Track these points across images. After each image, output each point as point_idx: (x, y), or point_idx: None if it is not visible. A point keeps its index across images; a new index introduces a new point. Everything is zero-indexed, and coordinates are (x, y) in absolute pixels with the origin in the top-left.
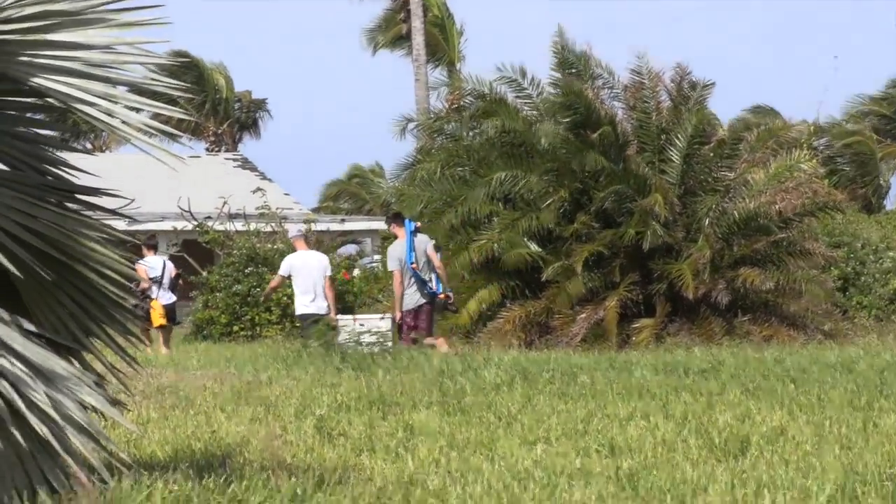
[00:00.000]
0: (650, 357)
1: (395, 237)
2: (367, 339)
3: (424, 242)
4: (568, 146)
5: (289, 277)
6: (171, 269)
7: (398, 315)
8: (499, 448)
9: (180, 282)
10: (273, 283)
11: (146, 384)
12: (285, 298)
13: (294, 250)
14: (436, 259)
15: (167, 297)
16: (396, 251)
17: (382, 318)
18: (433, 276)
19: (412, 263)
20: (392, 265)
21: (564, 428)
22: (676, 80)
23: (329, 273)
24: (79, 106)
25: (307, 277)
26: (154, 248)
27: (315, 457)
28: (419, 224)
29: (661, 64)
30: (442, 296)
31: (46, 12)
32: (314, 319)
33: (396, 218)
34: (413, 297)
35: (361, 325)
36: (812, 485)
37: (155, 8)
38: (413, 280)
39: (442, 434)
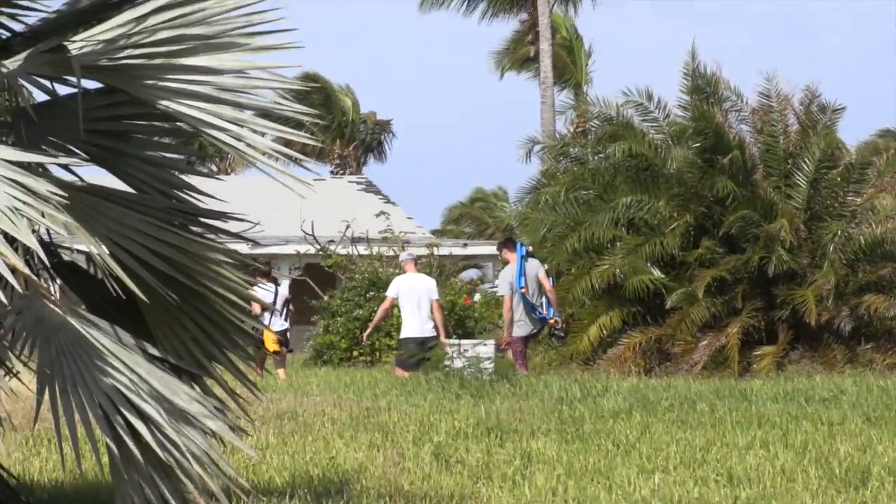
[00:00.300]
0: (771, 385)
1: (507, 262)
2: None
3: (535, 267)
4: (696, 171)
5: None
6: (283, 295)
7: (506, 340)
8: (616, 476)
9: (291, 307)
10: (384, 306)
11: (265, 409)
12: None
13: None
14: (547, 283)
15: (279, 324)
16: (507, 276)
17: (486, 343)
18: (543, 301)
19: (522, 288)
20: (503, 290)
21: (683, 457)
22: (805, 102)
23: (435, 297)
24: (208, 130)
25: (414, 300)
26: (267, 274)
27: (432, 484)
28: (530, 249)
29: (790, 86)
30: (552, 321)
31: (182, 37)
32: (419, 342)
33: (508, 243)
34: (526, 325)
35: (465, 350)
36: None
37: (288, 32)
38: (522, 306)
39: (559, 462)
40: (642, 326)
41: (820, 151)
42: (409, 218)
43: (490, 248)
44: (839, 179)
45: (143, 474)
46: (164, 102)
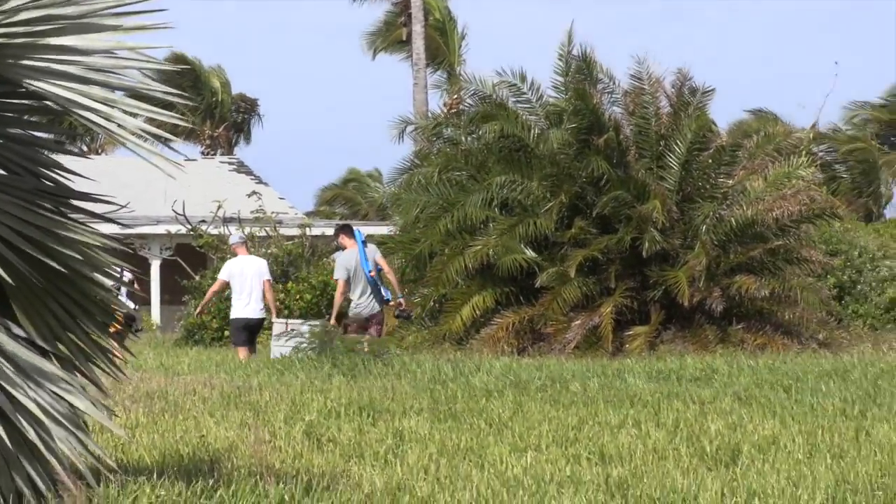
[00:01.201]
0: (643, 364)
1: (344, 248)
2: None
3: (374, 252)
4: (571, 152)
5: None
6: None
7: (332, 321)
8: (489, 455)
9: (136, 287)
10: (214, 288)
11: (135, 389)
12: (277, 303)
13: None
14: (386, 266)
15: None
16: (346, 261)
17: (311, 324)
18: (382, 285)
19: (370, 272)
20: (339, 274)
21: (555, 435)
22: (677, 85)
23: (267, 277)
24: (78, 110)
25: (245, 283)
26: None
27: (304, 463)
28: (366, 235)
29: (662, 69)
30: (393, 303)
31: (49, 16)
32: (243, 322)
33: (345, 229)
34: (368, 305)
35: (292, 329)
36: (803, 494)
37: (157, 12)
38: (370, 288)
39: (432, 440)
40: (515, 307)
41: (692, 133)
42: (281, 198)
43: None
44: (710, 161)
45: (8, 455)
46: (32, 82)
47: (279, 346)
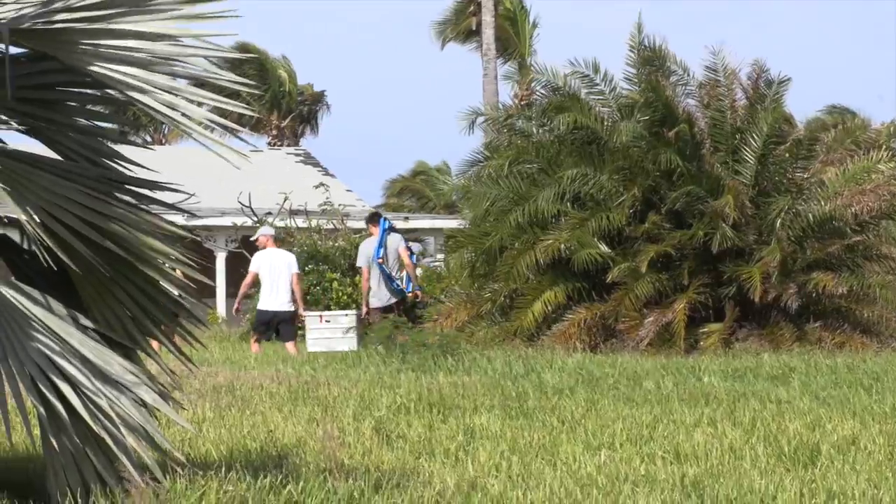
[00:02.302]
0: (718, 362)
1: (370, 234)
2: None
3: (397, 241)
4: (643, 144)
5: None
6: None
7: (365, 310)
8: (561, 453)
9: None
10: (246, 281)
11: (202, 383)
12: (345, 297)
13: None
14: (407, 258)
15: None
16: (366, 248)
17: (347, 314)
18: (404, 276)
19: (379, 258)
20: (361, 262)
21: (629, 433)
22: (753, 77)
23: (295, 270)
24: (140, 97)
25: (272, 275)
26: None
27: (373, 459)
28: (394, 224)
29: (738, 60)
30: (411, 294)
31: (115, 1)
32: (270, 315)
33: (373, 217)
34: (383, 296)
35: (328, 321)
36: (884, 496)
37: (224, 0)
38: (381, 277)
39: (503, 438)
40: (587, 302)
41: (768, 126)
42: (348, 191)
43: (432, 222)
44: (787, 155)
45: (74, 445)
46: (97, 69)
47: (316, 340)
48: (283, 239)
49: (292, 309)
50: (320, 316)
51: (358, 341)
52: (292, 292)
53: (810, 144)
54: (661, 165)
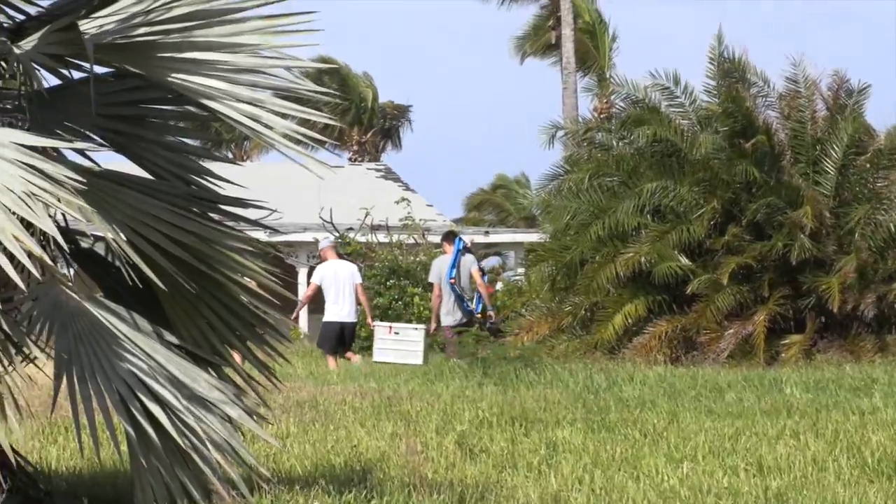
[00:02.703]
0: (799, 374)
1: (444, 252)
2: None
3: (470, 262)
4: (723, 156)
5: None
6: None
7: (433, 327)
8: (644, 466)
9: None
10: (308, 293)
11: (285, 398)
12: (426, 311)
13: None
14: (479, 278)
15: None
16: (437, 266)
17: (416, 328)
18: (475, 296)
19: (451, 279)
20: (433, 278)
21: (711, 446)
22: (833, 87)
23: (359, 281)
24: (223, 109)
25: (337, 286)
26: None
27: (456, 473)
28: (469, 244)
29: (818, 71)
30: (481, 315)
31: (195, 13)
32: (339, 326)
33: (449, 236)
34: (455, 315)
35: (396, 333)
36: None
37: (308, 14)
38: (453, 296)
39: (586, 451)
40: (668, 315)
41: (848, 136)
42: (429, 205)
43: (512, 236)
44: (868, 165)
45: (162, 462)
46: (179, 81)
47: (383, 350)
48: (364, 254)
49: (356, 320)
50: (390, 327)
51: (424, 356)
52: (357, 303)
53: (891, 154)
54: (739, 177)
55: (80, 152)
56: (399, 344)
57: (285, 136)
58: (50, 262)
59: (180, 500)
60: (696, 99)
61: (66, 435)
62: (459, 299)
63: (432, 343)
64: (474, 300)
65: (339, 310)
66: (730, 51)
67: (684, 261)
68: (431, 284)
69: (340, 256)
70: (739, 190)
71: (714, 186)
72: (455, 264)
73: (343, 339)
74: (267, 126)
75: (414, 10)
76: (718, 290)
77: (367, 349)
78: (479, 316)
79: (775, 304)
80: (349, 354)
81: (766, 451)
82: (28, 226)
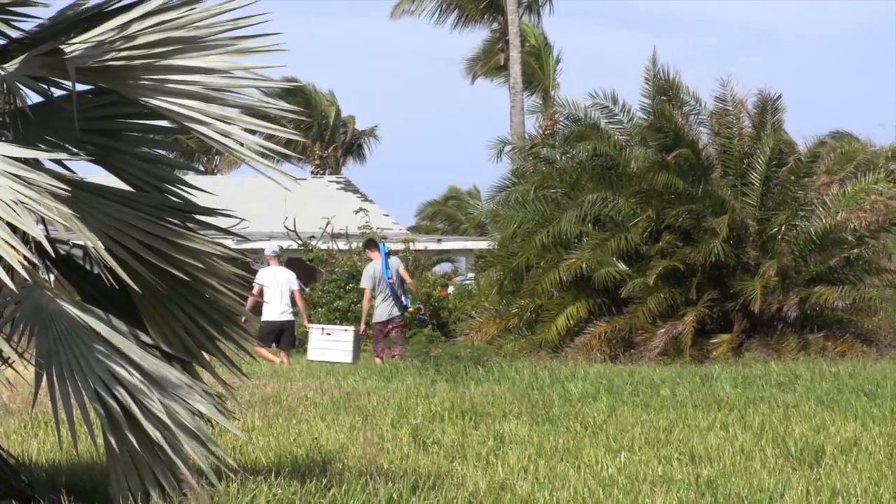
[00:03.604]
0: (729, 371)
1: (371, 260)
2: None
3: (396, 264)
4: (655, 169)
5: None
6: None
7: (362, 328)
8: (584, 456)
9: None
10: (254, 292)
11: (251, 394)
12: None
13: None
14: (407, 277)
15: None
16: (371, 271)
17: (346, 329)
18: (402, 293)
19: (389, 279)
20: (365, 283)
21: (647, 437)
22: (758, 106)
23: (296, 287)
24: (197, 127)
25: (275, 289)
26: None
27: (410, 463)
28: (390, 248)
29: (744, 91)
30: (412, 308)
31: (170, 39)
32: (276, 326)
33: (370, 244)
34: (387, 310)
35: (328, 334)
36: (885, 493)
37: (273, 35)
38: (389, 294)
39: (531, 442)
40: (607, 316)
41: (770, 150)
42: (385, 215)
43: (463, 243)
44: (789, 175)
45: (135, 453)
46: (155, 102)
47: (316, 350)
48: (325, 260)
49: (292, 318)
50: (322, 328)
51: (354, 355)
52: (293, 306)
53: (810, 162)
54: (662, 188)
55: (62, 164)
56: (331, 344)
57: (254, 150)
58: (31, 268)
59: (153, 489)
60: (633, 116)
61: (45, 430)
62: (395, 297)
63: (362, 342)
64: (403, 297)
65: (277, 310)
66: (664, 71)
67: (622, 266)
68: (363, 290)
69: (280, 264)
70: (673, 200)
71: (650, 197)
72: (387, 266)
73: (280, 337)
74: (237, 142)
75: (373, 31)
76: (650, 293)
77: (304, 349)
78: (410, 310)
79: (704, 306)
80: (283, 356)
81: (698, 442)
82: (14, 232)
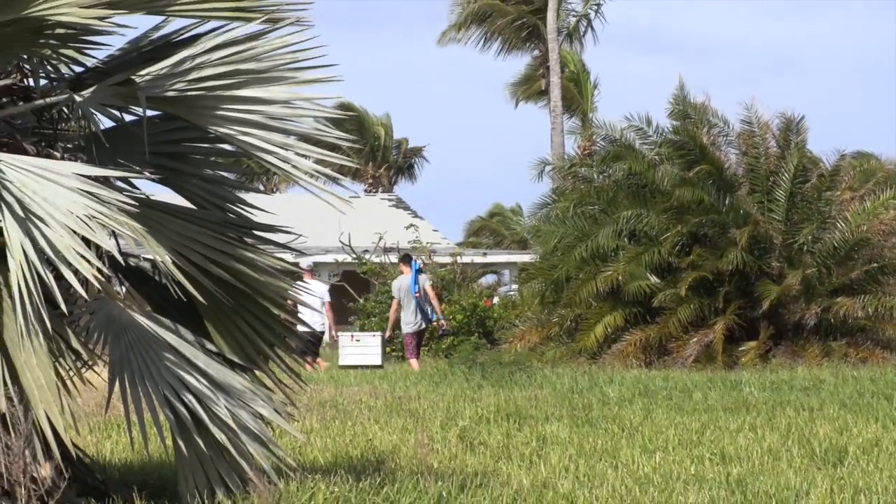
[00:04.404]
0: (757, 376)
1: (402, 273)
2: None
3: (424, 280)
4: (684, 186)
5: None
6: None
7: (388, 333)
8: (622, 456)
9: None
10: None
11: (309, 398)
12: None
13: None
14: (431, 293)
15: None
16: (400, 283)
17: (374, 335)
18: (428, 308)
19: (416, 293)
20: (394, 294)
21: (680, 438)
22: (782, 127)
23: (328, 299)
24: (259, 153)
25: (310, 302)
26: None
27: (458, 463)
28: (421, 265)
29: (769, 112)
30: (436, 323)
31: (234, 71)
32: (311, 333)
33: (405, 259)
34: (417, 322)
35: (357, 340)
36: None
37: (330, 67)
38: (416, 307)
39: (571, 443)
40: (642, 325)
41: (794, 167)
42: (434, 230)
43: (507, 257)
44: (813, 191)
45: (202, 454)
46: (220, 129)
47: (347, 356)
48: (378, 273)
49: (323, 330)
50: (352, 335)
51: (382, 358)
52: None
53: (832, 176)
54: (694, 203)
55: (131, 185)
56: (360, 349)
57: (310, 174)
58: (104, 280)
59: (218, 487)
60: (666, 137)
61: (118, 431)
62: (421, 309)
63: (389, 347)
64: (429, 311)
65: (315, 321)
66: (688, 95)
67: (653, 279)
68: (392, 298)
69: (314, 278)
70: (700, 214)
71: (679, 213)
72: (416, 281)
73: (315, 344)
74: (294, 166)
75: (422, 58)
76: (681, 303)
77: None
78: (433, 323)
79: (732, 315)
80: (318, 361)
81: (728, 443)
82: (87, 245)
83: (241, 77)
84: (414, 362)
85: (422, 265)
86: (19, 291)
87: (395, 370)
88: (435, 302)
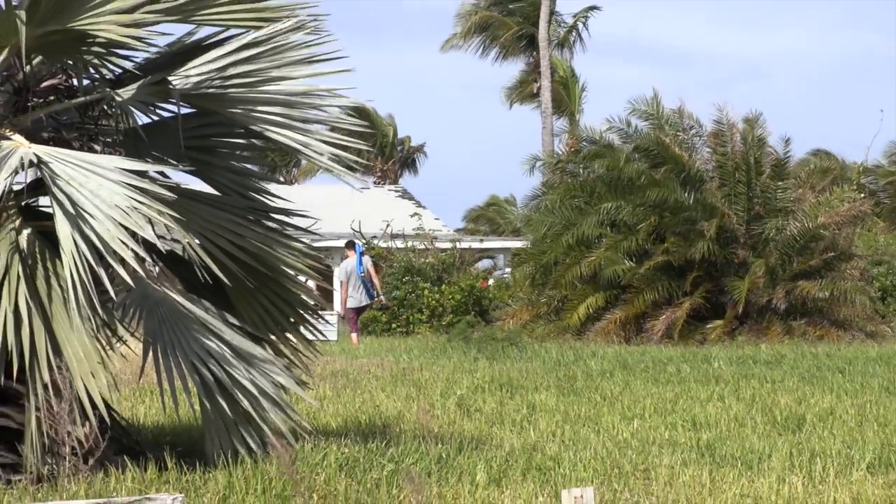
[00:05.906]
0: (725, 352)
1: (348, 257)
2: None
3: (367, 261)
4: (648, 183)
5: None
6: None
7: (342, 311)
8: (603, 422)
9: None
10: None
11: (322, 369)
12: (433, 302)
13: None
14: (373, 272)
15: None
16: (346, 266)
17: (332, 314)
18: (371, 286)
19: (362, 273)
20: (341, 276)
21: (656, 407)
22: (745, 125)
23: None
24: (281, 139)
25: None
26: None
27: (456, 428)
28: (364, 248)
29: (736, 114)
30: (378, 299)
31: (258, 69)
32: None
33: (349, 244)
34: (361, 299)
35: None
36: (855, 454)
37: (346, 72)
38: (361, 286)
39: (558, 411)
40: (622, 305)
41: (753, 160)
42: (436, 219)
43: (502, 243)
44: (767, 180)
45: (226, 418)
46: (246, 120)
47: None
48: (385, 256)
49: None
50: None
51: (336, 334)
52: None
53: (783, 163)
54: (655, 197)
55: (164, 175)
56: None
57: (330, 159)
58: (141, 262)
59: (241, 447)
60: (642, 137)
61: (151, 397)
62: (366, 288)
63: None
64: (369, 290)
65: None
66: (659, 102)
67: (628, 264)
68: (341, 282)
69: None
70: (670, 208)
71: (654, 206)
72: (360, 262)
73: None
74: (315, 151)
75: (425, 62)
76: (649, 283)
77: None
78: (376, 300)
79: (699, 297)
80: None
81: (699, 411)
82: (130, 233)
83: (264, 74)
84: (354, 336)
85: (363, 248)
86: (71, 280)
87: (345, 346)
88: (376, 280)
